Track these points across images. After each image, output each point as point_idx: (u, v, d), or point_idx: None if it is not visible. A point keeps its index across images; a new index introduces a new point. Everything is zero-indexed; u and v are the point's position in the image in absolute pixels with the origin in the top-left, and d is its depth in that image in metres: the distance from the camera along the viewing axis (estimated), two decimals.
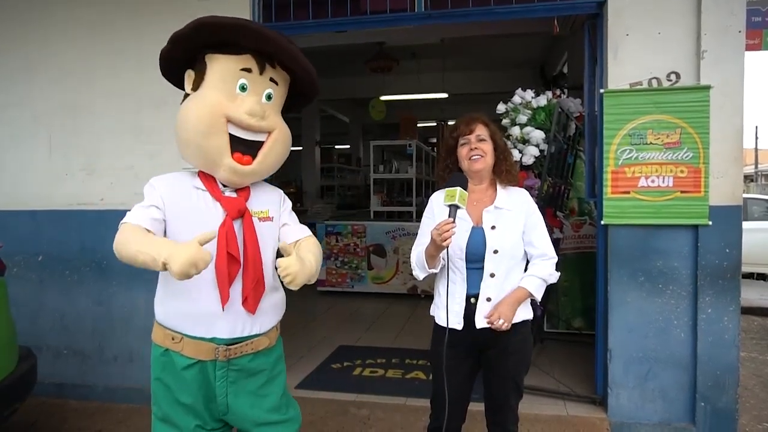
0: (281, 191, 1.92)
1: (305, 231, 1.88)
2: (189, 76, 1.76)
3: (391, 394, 3.45)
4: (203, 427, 1.73)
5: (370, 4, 3.31)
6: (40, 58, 3.61)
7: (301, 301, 6.39)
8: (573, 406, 3.24)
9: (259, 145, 1.71)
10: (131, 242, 1.55)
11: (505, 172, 2.06)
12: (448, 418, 2.02)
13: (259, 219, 1.75)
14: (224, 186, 1.73)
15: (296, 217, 1.91)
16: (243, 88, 1.68)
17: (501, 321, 1.91)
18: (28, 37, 3.62)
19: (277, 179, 1.97)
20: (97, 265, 3.55)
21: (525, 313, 2.05)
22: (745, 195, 8.75)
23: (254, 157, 1.70)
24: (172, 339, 1.68)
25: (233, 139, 1.66)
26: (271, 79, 1.73)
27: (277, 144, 1.74)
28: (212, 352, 1.67)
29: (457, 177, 1.93)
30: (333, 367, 4.01)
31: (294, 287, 1.59)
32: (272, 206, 1.81)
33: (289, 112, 1.92)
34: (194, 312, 1.65)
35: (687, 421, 2.94)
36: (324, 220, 7.05)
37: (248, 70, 1.68)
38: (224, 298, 1.63)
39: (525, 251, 2.03)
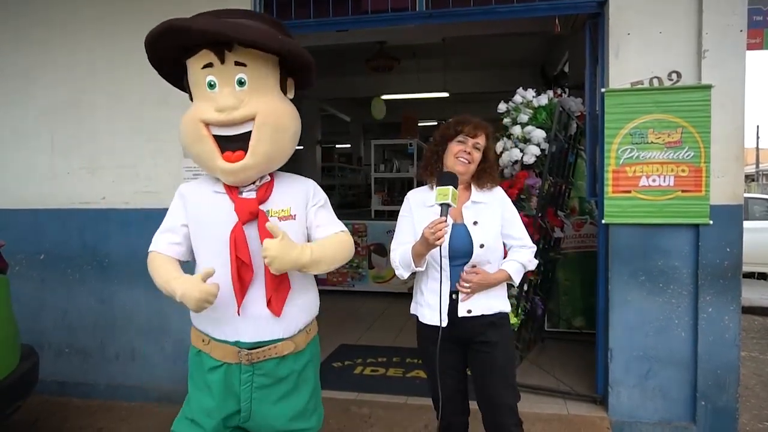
0: (311, 183, 1.81)
1: (335, 228, 1.79)
2: (188, 90, 1.75)
3: (392, 393, 3.46)
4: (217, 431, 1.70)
5: (371, 3, 3.31)
6: (42, 57, 3.62)
7: None
8: (573, 404, 3.25)
9: (248, 136, 1.61)
10: (158, 275, 1.68)
11: (483, 180, 2.09)
12: (451, 413, 2.07)
13: (279, 218, 1.68)
14: (243, 186, 1.69)
15: (330, 212, 1.82)
16: (211, 85, 1.62)
17: (467, 285, 1.96)
18: (30, 36, 3.63)
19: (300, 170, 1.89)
20: (99, 264, 3.56)
21: (501, 305, 2.08)
22: (746, 194, 8.75)
23: (246, 150, 1.61)
24: (203, 341, 1.71)
25: (221, 139, 1.62)
26: (237, 63, 1.61)
27: (264, 129, 1.62)
28: (236, 356, 1.65)
29: (447, 176, 1.93)
30: (334, 365, 4.02)
31: (274, 271, 1.56)
32: (296, 203, 1.73)
33: (305, 87, 1.84)
34: (217, 316, 1.65)
35: (687, 420, 2.94)
36: None
37: (210, 65, 1.61)
38: (239, 303, 1.62)
39: (503, 244, 2.09)
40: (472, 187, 2.10)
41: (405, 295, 6.42)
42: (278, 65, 1.70)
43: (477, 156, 2.06)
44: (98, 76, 3.55)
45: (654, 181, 2.89)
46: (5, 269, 2.68)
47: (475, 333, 2.01)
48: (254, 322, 1.65)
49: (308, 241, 1.78)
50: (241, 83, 1.62)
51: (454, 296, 2.01)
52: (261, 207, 1.66)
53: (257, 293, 1.64)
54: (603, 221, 3.00)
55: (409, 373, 3.83)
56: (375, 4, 3.30)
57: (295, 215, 1.72)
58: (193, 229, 1.71)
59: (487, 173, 2.09)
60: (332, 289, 6.69)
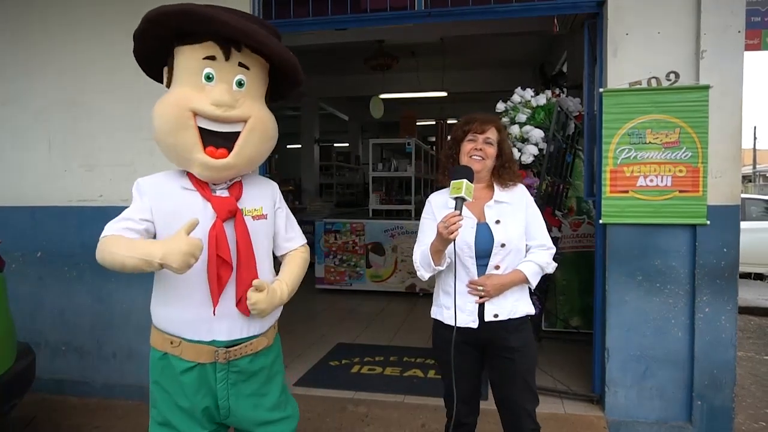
0: (275, 185, 1.84)
1: (296, 241, 1.86)
2: (165, 73, 1.72)
3: (389, 392, 3.46)
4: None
5: (370, 2, 3.31)
6: (39, 55, 3.60)
7: (299, 298, 6.38)
8: (570, 404, 3.26)
9: (235, 136, 1.60)
10: (116, 251, 1.54)
11: (507, 178, 2.05)
12: (464, 414, 2.04)
13: (253, 217, 1.69)
14: (215, 184, 1.67)
15: (289, 214, 1.87)
16: (209, 78, 1.59)
17: (480, 289, 1.93)
18: (27, 35, 3.61)
19: (277, 177, 1.93)
20: (96, 262, 3.54)
21: (526, 308, 2.03)
22: (744, 195, 8.77)
23: (230, 149, 1.60)
24: (171, 343, 1.65)
25: (205, 132, 1.58)
26: (241, 64, 1.61)
27: (254, 133, 1.62)
28: (212, 355, 1.64)
29: (462, 169, 1.91)
30: (331, 364, 4.02)
31: (260, 318, 1.67)
32: (266, 202, 1.75)
33: (279, 99, 1.85)
34: (192, 317, 1.63)
35: (684, 420, 2.95)
36: (323, 218, 7.05)
37: (212, 58, 1.59)
38: (215, 302, 1.60)
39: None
40: (495, 186, 2.05)
41: (402, 294, 6.45)
42: (268, 74, 1.73)
43: (491, 151, 2.02)
44: (96, 74, 3.54)
45: (651, 181, 2.89)
46: (2, 267, 2.67)
47: (498, 338, 1.97)
48: (229, 321, 1.64)
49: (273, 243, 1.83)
50: (240, 84, 1.62)
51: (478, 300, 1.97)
52: (237, 204, 1.66)
53: (230, 292, 1.63)
54: (600, 221, 3.00)
55: (407, 372, 3.83)
56: (374, 3, 3.30)
57: (266, 215, 1.74)
58: (160, 228, 1.64)
59: (506, 169, 2.05)
60: (330, 288, 6.70)
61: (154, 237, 1.66)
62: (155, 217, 1.65)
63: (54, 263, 3.60)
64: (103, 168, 3.55)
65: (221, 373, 1.66)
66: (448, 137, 2.15)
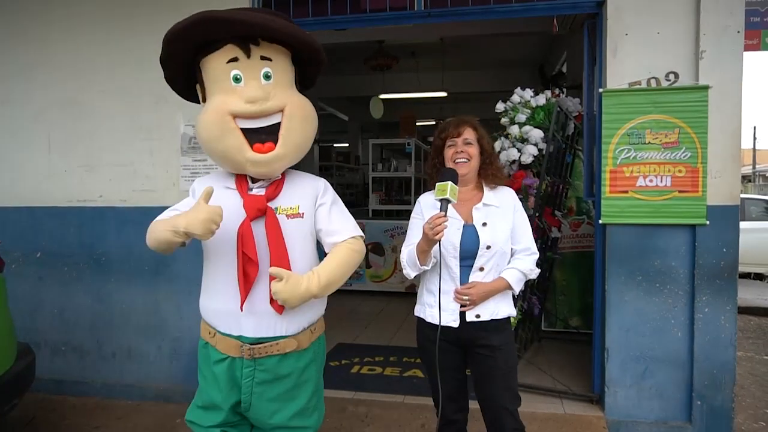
0: (322, 182, 1.82)
1: (341, 234, 1.76)
2: (199, 91, 1.77)
3: (389, 392, 3.46)
4: (227, 422, 1.74)
5: (369, 2, 3.31)
6: (39, 55, 3.61)
7: None
8: (570, 404, 3.26)
9: (277, 128, 1.64)
10: (154, 228, 1.64)
11: (491, 175, 2.08)
12: (452, 411, 2.07)
13: (287, 216, 1.69)
14: (254, 182, 1.71)
15: (342, 212, 1.80)
16: (237, 79, 1.63)
17: (466, 298, 1.94)
18: (27, 34, 3.62)
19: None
20: (96, 262, 3.55)
21: (508, 309, 2.06)
22: (743, 195, 8.77)
23: (276, 141, 1.63)
24: (209, 333, 1.73)
25: (248, 131, 1.62)
26: (263, 57, 1.65)
27: (294, 119, 1.66)
28: (238, 350, 1.68)
29: (447, 172, 1.93)
30: (331, 364, 4.02)
31: (290, 308, 1.63)
32: (305, 201, 1.73)
33: (310, 85, 1.89)
34: (222, 310, 1.69)
35: (683, 420, 2.95)
36: None
37: (235, 59, 1.63)
38: (242, 299, 1.63)
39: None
40: (484, 187, 2.08)
41: (402, 294, 6.44)
42: (290, 60, 1.75)
43: (472, 151, 2.05)
44: (96, 74, 3.54)
45: (651, 181, 2.89)
46: (2, 267, 2.67)
47: (479, 336, 2.00)
48: (257, 318, 1.66)
49: (317, 241, 1.80)
50: (267, 77, 1.65)
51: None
52: (270, 204, 1.67)
53: (262, 289, 1.64)
54: (600, 221, 3.00)
55: (406, 372, 3.83)
56: (373, 3, 3.30)
57: (303, 213, 1.72)
58: None
59: (490, 165, 2.07)
60: None
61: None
62: None
63: (54, 263, 3.60)
64: (103, 168, 3.55)
65: (248, 369, 1.69)
66: (430, 148, 2.17)
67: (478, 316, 1.98)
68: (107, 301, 3.55)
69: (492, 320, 2.00)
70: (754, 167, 26.45)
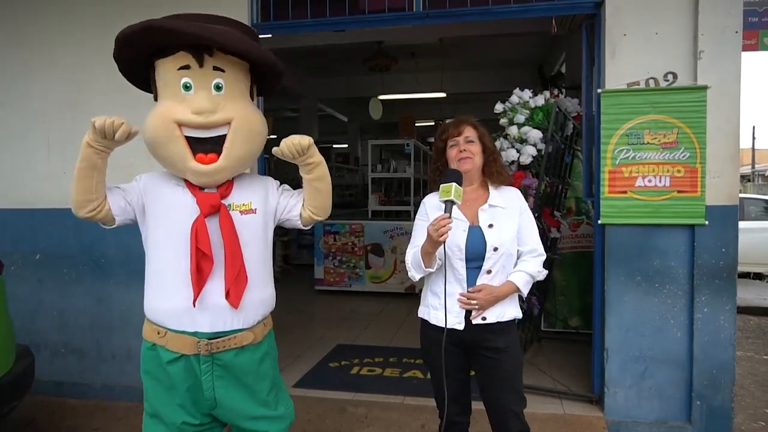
0: (270, 180, 1.87)
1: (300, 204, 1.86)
2: (153, 88, 1.77)
3: (389, 393, 3.46)
4: (191, 423, 1.73)
5: (368, 3, 3.31)
6: (38, 56, 3.60)
7: (298, 299, 6.39)
8: (570, 404, 3.26)
9: (222, 140, 1.65)
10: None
11: (495, 173, 2.07)
12: (455, 413, 2.06)
13: (241, 212, 1.72)
14: None
15: (294, 192, 1.88)
16: (187, 87, 1.63)
17: (474, 302, 1.93)
18: (25, 35, 3.61)
19: (277, 178, 1.95)
20: (95, 263, 3.55)
21: (514, 312, 2.04)
22: (742, 195, 8.78)
23: (219, 153, 1.64)
24: (158, 333, 1.70)
25: (192, 140, 1.63)
26: (216, 68, 1.64)
27: (239, 133, 1.66)
28: (194, 346, 1.67)
29: (451, 172, 1.92)
30: (331, 365, 4.02)
31: (278, 147, 1.66)
32: (256, 197, 1.77)
33: (266, 94, 1.91)
34: (175, 307, 1.67)
35: (683, 420, 2.95)
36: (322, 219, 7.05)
37: (187, 67, 1.63)
38: (195, 294, 1.63)
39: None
40: (489, 187, 2.06)
41: (402, 295, 6.45)
42: (248, 72, 1.76)
43: (475, 149, 2.03)
44: (94, 75, 3.53)
45: (650, 181, 2.90)
46: (1, 269, 2.67)
47: (484, 339, 1.98)
48: (212, 313, 1.67)
49: (270, 235, 1.85)
50: (218, 88, 1.65)
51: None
52: (223, 201, 1.69)
53: (215, 285, 1.66)
54: (599, 221, 3.01)
55: (406, 373, 3.83)
56: (372, 4, 3.31)
57: (255, 209, 1.76)
58: (150, 219, 1.73)
59: (492, 161, 2.06)
60: (329, 289, 6.70)
61: (132, 221, 1.78)
62: (146, 205, 1.73)
63: (53, 265, 3.60)
64: None
65: (205, 365, 1.69)
66: (432, 151, 2.17)
67: (484, 318, 1.96)
68: (107, 303, 3.55)
69: (498, 322, 1.98)
70: (753, 167, 26.47)
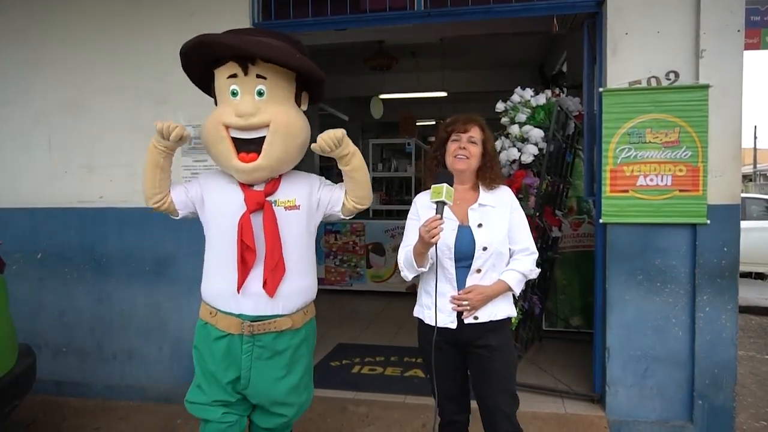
0: (317, 178, 2.04)
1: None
2: (213, 96, 1.98)
3: (390, 392, 3.46)
4: (222, 399, 1.90)
5: (369, 2, 3.31)
6: (40, 56, 3.61)
7: None
8: (571, 404, 3.26)
9: (263, 141, 1.83)
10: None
11: (489, 179, 2.06)
12: (453, 412, 2.06)
13: (285, 208, 1.90)
14: None
15: (334, 187, 2.04)
16: (234, 93, 1.85)
17: (466, 303, 1.93)
18: (27, 35, 3.62)
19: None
20: (97, 263, 3.55)
21: (507, 310, 2.05)
22: (744, 194, 8.77)
23: (260, 153, 1.83)
24: (210, 313, 1.91)
25: (238, 141, 1.84)
26: (259, 76, 1.84)
27: (277, 135, 1.83)
28: (239, 327, 1.87)
29: (443, 173, 1.92)
30: (332, 364, 4.02)
31: (317, 143, 1.86)
32: (301, 194, 1.94)
33: (317, 100, 2.11)
34: (225, 291, 1.87)
35: (685, 419, 2.95)
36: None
37: (234, 76, 1.84)
38: (240, 281, 1.84)
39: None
40: (480, 187, 2.06)
41: (403, 294, 6.44)
42: (294, 80, 1.95)
43: (475, 150, 2.03)
44: (96, 75, 3.54)
45: (651, 180, 2.89)
46: (2, 268, 2.67)
47: (477, 337, 1.98)
48: (254, 299, 1.86)
49: (313, 229, 2.02)
50: (260, 93, 1.85)
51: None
52: (268, 198, 1.88)
53: (257, 274, 1.85)
54: (600, 221, 3.00)
55: (407, 372, 3.83)
56: (373, 4, 3.30)
57: (299, 206, 1.93)
58: (207, 213, 1.94)
59: (489, 168, 2.06)
60: (330, 288, 6.70)
61: (194, 214, 2.00)
62: (204, 198, 1.95)
63: (54, 264, 3.61)
64: (104, 169, 3.55)
65: (247, 345, 1.88)
66: (433, 141, 2.17)
67: (476, 317, 1.97)
68: (108, 302, 3.55)
69: (490, 321, 1.98)
70: (754, 166, 26.44)
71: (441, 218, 1.81)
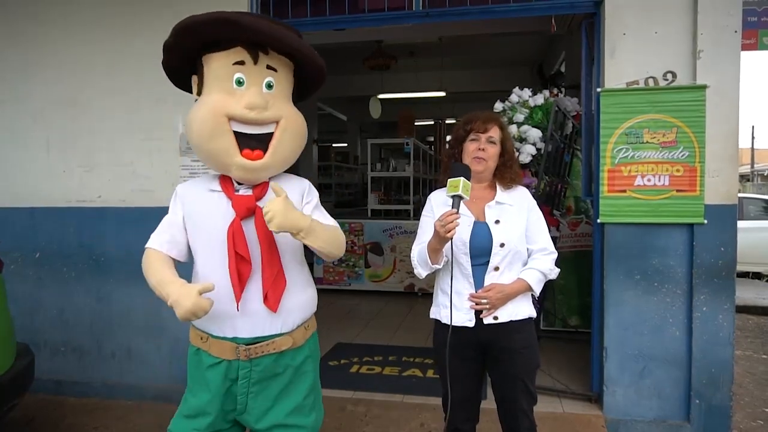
0: (306, 182, 1.83)
1: (329, 222, 1.77)
2: (194, 82, 1.74)
3: (388, 392, 3.47)
4: (214, 429, 1.71)
5: (368, 2, 3.31)
6: (38, 55, 3.61)
7: None
8: (569, 403, 3.27)
9: (269, 137, 1.65)
10: (151, 274, 1.68)
11: (507, 178, 2.03)
12: (460, 419, 2.02)
13: None
14: (239, 184, 1.70)
15: (323, 212, 1.80)
16: (239, 82, 1.63)
17: (485, 301, 1.89)
18: (26, 33, 3.61)
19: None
20: (95, 262, 3.55)
21: (528, 310, 2.00)
22: (741, 194, 8.79)
23: (265, 150, 1.64)
24: (201, 339, 1.71)
25: (240, 135, 1.62)
26: (269, 67, 1.66)
27: (287, 133, 1.68)
28: (234, 352, 1.66)
29: (458, 167, 1.88)
30: (330, 364, 4.03)
31: (273, 227, 1.53)
32: (292, 199, 1.69)
33: (302, 99, 1.89)
34: (216, 313, 1.63)
35: (682, 418, 2.96)
36: None
37: (241, 63, 1.62)
38: (237, 298, 1.62)
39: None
40: (497, 186, 2.02)
41: (401, 294, 6.45)
42: (292, 74, 1.76)
43: (493, 151, 1.99)
44: (95, 74, 3.54)
45: (649, 180, 2.90)
46: (1, 267, 2.67)
47: (499, 339, 1.93)
48: (251, 318, 1.65)
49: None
50: (269, 86, 1.67)
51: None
52: (258, 203, 1.66)
53: (254, 289, 1.64)
54: (598, 220, 3.01)
55: (406, 371, 3.84)
56: (372, 3, 3.31)
57: None
58: (190, 228, 1.71)
59: (507, 168, 2.02)
60: (329, 287, 6.70)
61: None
62: (187, 220, 1.72)
63: (53, 263, 3.60)
64: (102, 168, 3.55)
65: (244, 370, 1.68)
66: (449, 137, 2.13)
67: (495, 318, 1.92)
68: (107, 301, 3.55)
69: (511, 321, 1.93)
70: (752, 166, 26.48)
71: (457, 213, 1.76)
